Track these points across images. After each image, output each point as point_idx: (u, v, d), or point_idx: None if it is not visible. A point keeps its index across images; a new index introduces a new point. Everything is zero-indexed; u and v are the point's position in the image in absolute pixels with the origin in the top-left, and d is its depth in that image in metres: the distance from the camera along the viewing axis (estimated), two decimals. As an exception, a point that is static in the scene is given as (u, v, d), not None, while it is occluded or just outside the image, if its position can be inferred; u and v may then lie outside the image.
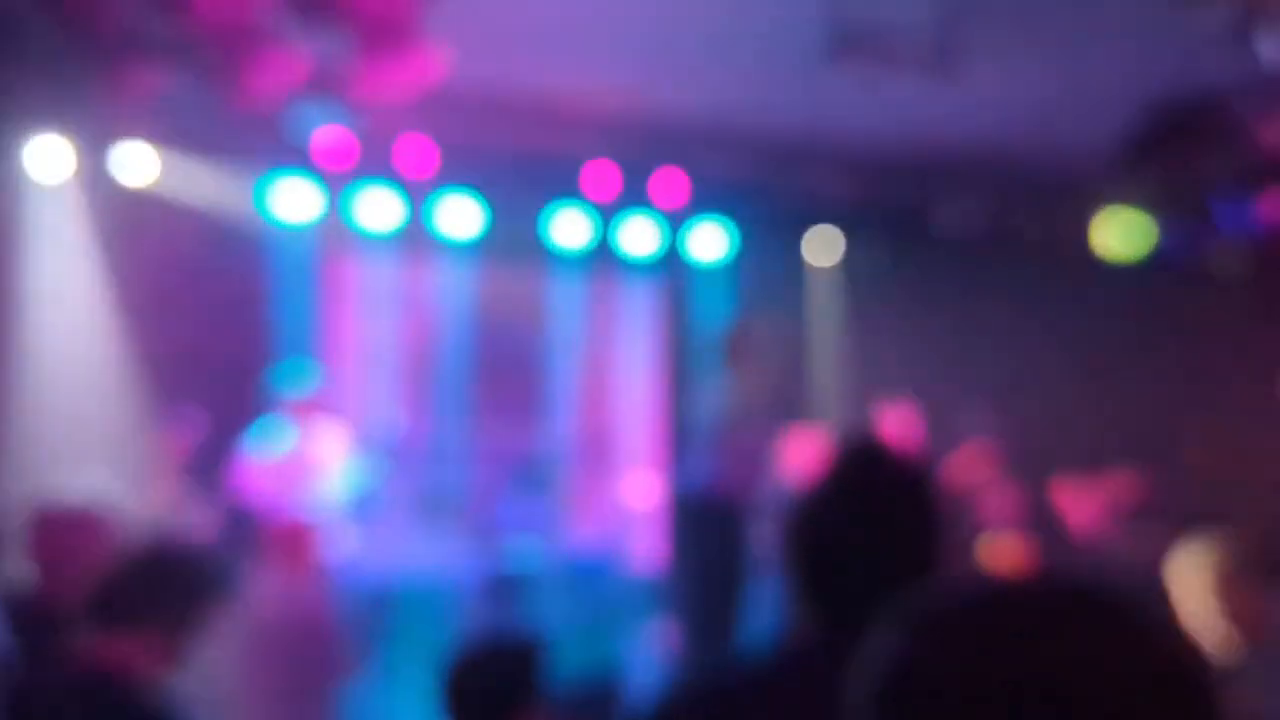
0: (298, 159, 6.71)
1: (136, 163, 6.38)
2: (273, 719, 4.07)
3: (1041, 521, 7.22)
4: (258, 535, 4.43)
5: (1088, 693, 0.75)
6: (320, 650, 4.13)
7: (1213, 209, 6.50)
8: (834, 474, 1.63)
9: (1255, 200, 6.32)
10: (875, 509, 1.56)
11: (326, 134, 6.58)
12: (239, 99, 4.68)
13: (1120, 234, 8.79)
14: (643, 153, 7.45)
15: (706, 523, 6.01)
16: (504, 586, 6.99)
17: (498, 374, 8.14)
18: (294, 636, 4.09)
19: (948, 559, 1.59)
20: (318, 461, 6.35)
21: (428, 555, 6.81)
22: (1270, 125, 6.29)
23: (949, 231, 7.86)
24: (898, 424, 7.30)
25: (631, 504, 7.25)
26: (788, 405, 6.60)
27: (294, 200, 6.84)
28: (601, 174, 7.59)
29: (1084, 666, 0.76)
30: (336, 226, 7.20)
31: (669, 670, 6.02)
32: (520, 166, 7.27)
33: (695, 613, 6.00)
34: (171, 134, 6.33)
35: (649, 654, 6.84)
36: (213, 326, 6.73)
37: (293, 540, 4.27)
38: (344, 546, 6.22)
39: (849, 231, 8.25)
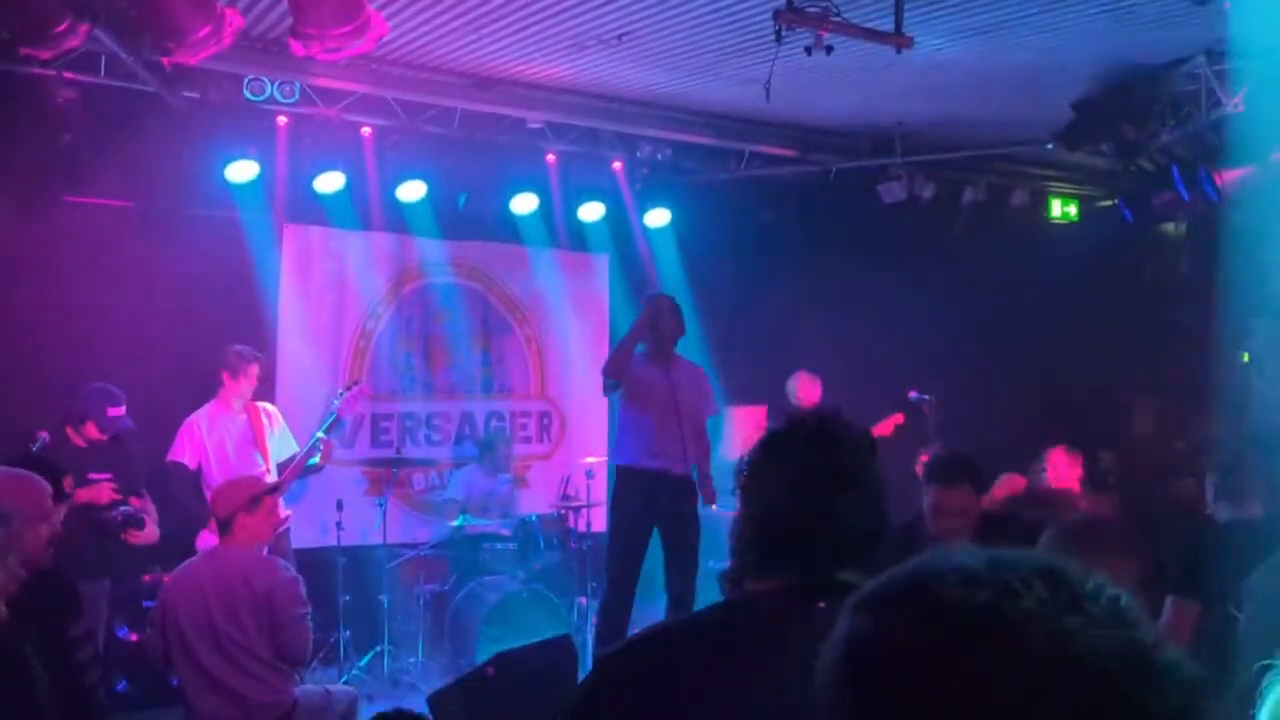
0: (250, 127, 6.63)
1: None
2: (245, 689, 4.04)
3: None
4: (212, 507, 4.36)
5: (1060, 673, 0.73)
6: (288, 619, 4.09)
7: (1172, 176, 6.57)
8: (783, 434, 1.66)
9: (1210, 169, 6.39)
10: (823, 469, 1.58)
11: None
12: (169, 52, 4.60)
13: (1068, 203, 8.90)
14: (591, 124, 7.41)
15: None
16: (454, 554, 6.97)
17: (443, 343, 8.11)
18: (262, 604, 4.05)
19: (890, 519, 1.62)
20: (267, 432, 6.30)
21: (376, 524, 6.77)
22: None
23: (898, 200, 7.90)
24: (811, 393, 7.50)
25: (580, 470, 7.26)
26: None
27: (247, 171, 6.73)
28: (551, 147, 7.56)
29: (1052, 647, 0.74)
30: (288, 196, 7.11)
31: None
32: (473, 138, 7.21)
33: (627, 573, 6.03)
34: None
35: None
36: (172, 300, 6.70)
37: (249, 509, 4.22)
38: (291, 516, 6.22)
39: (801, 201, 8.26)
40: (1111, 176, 8.10)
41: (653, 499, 5.94)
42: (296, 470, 6.03)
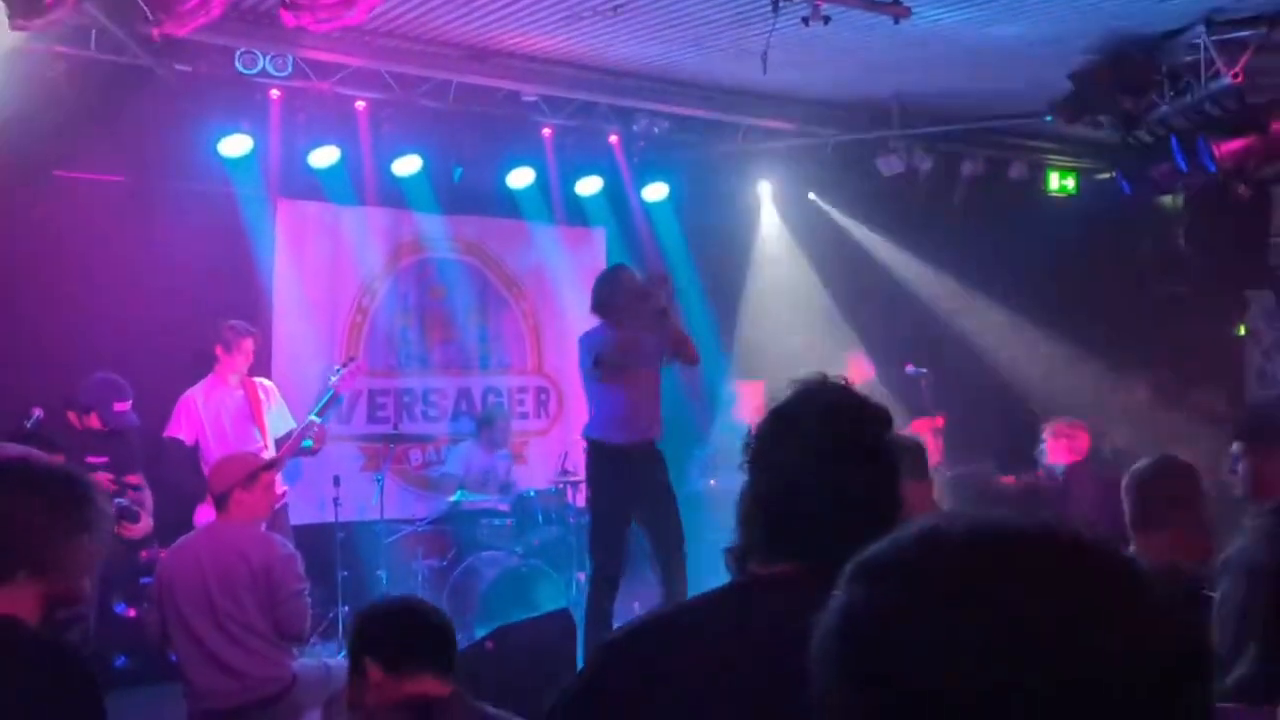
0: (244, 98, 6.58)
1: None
2: (244, 664, 4.04)
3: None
4: (209, 483, 4.35)
5: (1059, 639, 0.72)
6: (286, 595, 4.09)
7: (1171, 147, 6.52)
8: (794, 404, 1.59)
9: (1210, 140, 6.35)
10: (833, 440, 1.52)
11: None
12: (158, 22, 4.55)
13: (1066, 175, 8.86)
14: (587, 97, 7.36)
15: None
16: (452, 530, 6.97)
17: (440, 318, 8.08)
18: (260, 581, 4.05)
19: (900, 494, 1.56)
20: (264, 408, 6.29)
21: (373, 499, 6.77)
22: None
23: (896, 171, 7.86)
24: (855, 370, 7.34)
25: (578, 445, 7.26)
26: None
27: (240, 145, 6.68)
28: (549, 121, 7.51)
29: (1049, 614, 0.72)
30: (282, 171, 7.07)
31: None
32: (469, 112, 7.16)
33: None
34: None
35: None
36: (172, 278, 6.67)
37: (246, 485, 4.21)
38: (289, 493, 6.22)
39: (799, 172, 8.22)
40: (1109, 149, 8.05)
41: (629, 471, 5.85)
42: (292, 449, 6.01)
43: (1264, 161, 6.77)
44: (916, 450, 3.08)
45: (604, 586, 5.81)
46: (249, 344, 6.23)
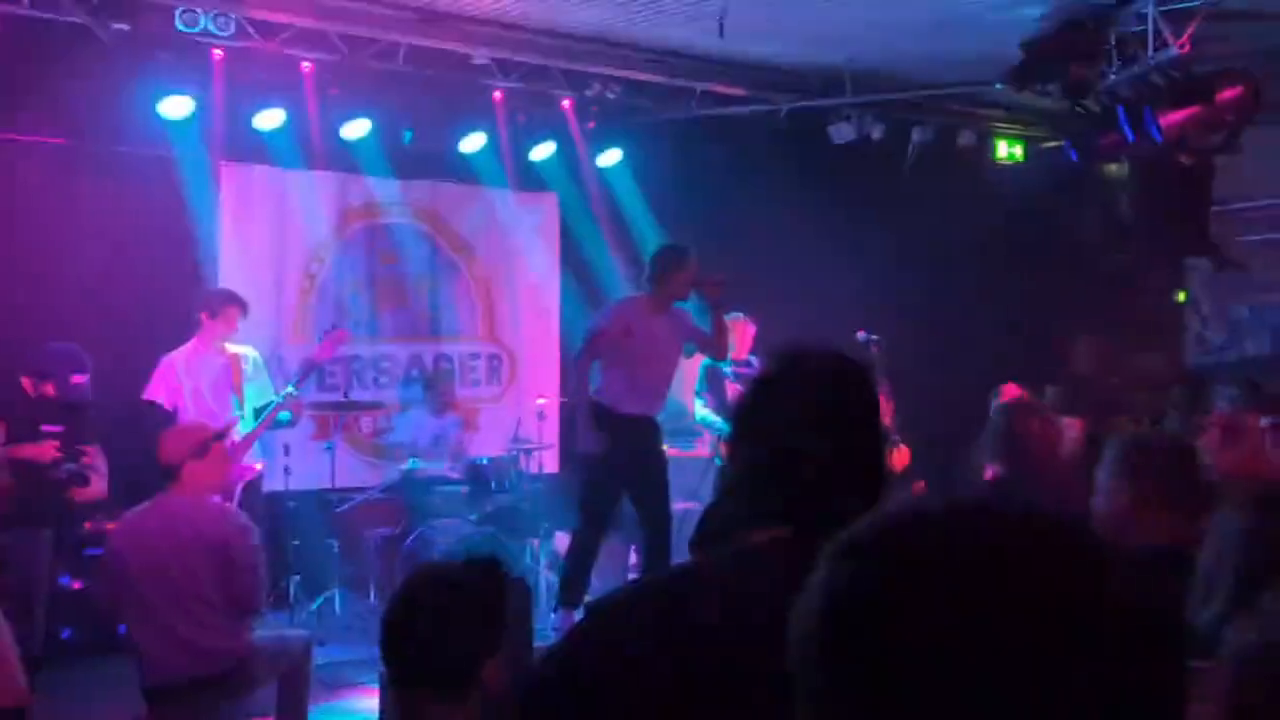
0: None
1: None
2: (199, 637, 3.98)
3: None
4: (159, 454, 4.25)
5: (1047, 618, 0.72)
6: (242, 567, 4.03)
7: (1119, 117, 6.60)
8: (783, 368, 1.57)
9: (1157, 111, 6.44)
10: (818, 408, 1.50)
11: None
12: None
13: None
14: (539, 61, 7.27)
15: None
16: (405, 498, 6.93)
17: (390, 284, 7.98)
18: (215, 553, 3.98)
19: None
20: (245, 377, 6.19)
21: (324, 468, 6.70)
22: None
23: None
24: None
25: (531, 412, 7.24)
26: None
27: (181, 107, 6.50)
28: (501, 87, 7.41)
29: (1037, 594, 0.72)
30: (226, 133, 6.90)
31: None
32: (419, 75, 7.04)
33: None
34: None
35: (551, 558, 6.91)
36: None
37: (198, 455, 4.12)
38: (252, 460, 6.13)
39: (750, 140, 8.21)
40: (1058, 117, 8.14)
41: (630, 441, 5.91)
42: (267, 422, 5.94)
43: (1208, 131, 6.88)
44: None
45: (581, 555, 5.92)
46: (235, 311, 6.10)
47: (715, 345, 6.16)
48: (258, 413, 6.05)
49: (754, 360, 7.39)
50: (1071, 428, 6.26)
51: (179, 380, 6.00)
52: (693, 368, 6.96)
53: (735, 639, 1.31)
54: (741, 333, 7.36)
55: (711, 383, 7.27)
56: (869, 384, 1.55)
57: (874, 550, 0.77)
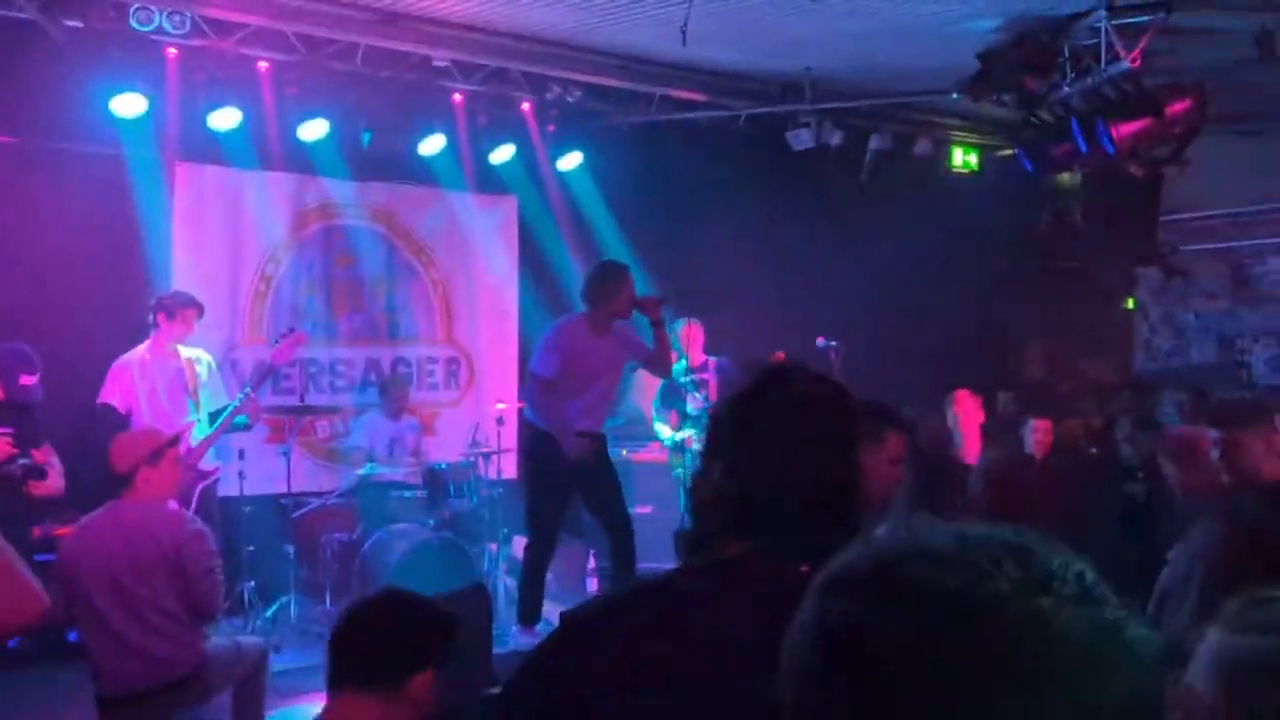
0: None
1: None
2: (154, 645, 3.92)
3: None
4: (111, 461, 4.17)
5: (1036, 656, 0.72)
6: (198, 573, 3.97)
7: (1072, 128, 6.71)
8: (759, 388, 1.58)
9: (1110, 123, 6.55)
10: (793, 426, 1.51)
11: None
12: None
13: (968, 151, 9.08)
14: (499, 64, 7.25)
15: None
16: (362, 503, 6.86)
17: (346, 288, 7.91)
18: (170, 560, 3.91)
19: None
20: (200, 381, 6.10)
21: (279, 473, 6.61)
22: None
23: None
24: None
25: (490, 417, 7.21)
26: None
27: (134, 105, 6.40)
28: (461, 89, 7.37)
29: (1027, 630, 0.73)
30: (176, 133, 6.79)
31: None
32: (378, 76, 6.98)
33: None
34: None
35: (509, 563, 6.87)
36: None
37: (151, 462, 4.06)
38: (207, 464, 6.05)
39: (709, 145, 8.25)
40: (1013, 127, 8.26)
41: (583, 457, 5.89)
42: (225, 425, 5.86)
43: (1158, 142, 7.02)
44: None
45: (535, 572, 5.95)
46: (192, 314, 6.04)
47: (659, 362, 6.14)
48: (213, 417, 5.97)
49: (711, 363, 7.41)
50: (1039, 429, 6.34)
51: (134, 383, 5.91)
52: (652, 378, 6.97)
53: (713, 653, 1.32)
54: (691, 337, 7.39)
55: (669, 400, 7.31)
56: (846, 405, 1.57)
57: (863, 586, 0.78)
